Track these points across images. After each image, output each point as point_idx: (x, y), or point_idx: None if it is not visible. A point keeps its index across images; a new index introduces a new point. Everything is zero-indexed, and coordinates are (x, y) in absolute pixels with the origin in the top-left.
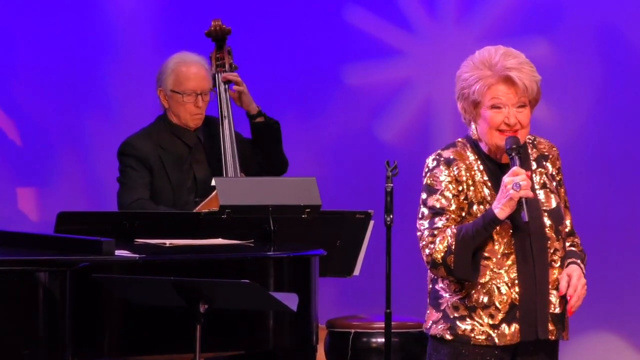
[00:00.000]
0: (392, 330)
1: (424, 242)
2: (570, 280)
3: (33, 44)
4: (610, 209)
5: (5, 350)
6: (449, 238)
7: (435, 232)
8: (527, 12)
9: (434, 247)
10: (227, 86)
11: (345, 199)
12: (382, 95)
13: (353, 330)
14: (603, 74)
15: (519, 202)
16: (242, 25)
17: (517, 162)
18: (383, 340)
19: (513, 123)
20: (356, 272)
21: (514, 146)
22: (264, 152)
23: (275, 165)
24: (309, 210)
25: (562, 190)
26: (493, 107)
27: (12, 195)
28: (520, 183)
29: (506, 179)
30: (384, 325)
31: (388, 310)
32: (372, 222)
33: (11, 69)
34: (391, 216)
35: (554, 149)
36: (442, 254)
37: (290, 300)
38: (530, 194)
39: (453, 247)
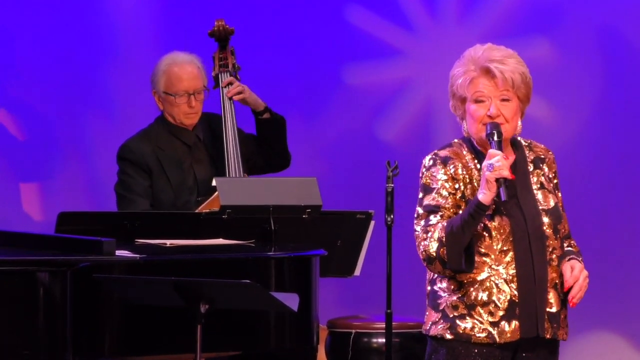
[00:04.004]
0: (393, 331)
1: (418, 240)
2: (572, 272)
3: (34, 44)
4: (611, 208)
5: (5, 350)
6: (440, 231)
7: (429, 229)
8: (527, 12)
9: (427, 243)
10: (230, 98)
11: (345, 199)
12: (383, 95)
13: (354, 331)
14: (603, 74)
15: (498, 182)
16: (245, 26)
17: (494, 145)
18: (384, 340)
19: (495, 114)
20: (357, 272)
21: (493, 131)
22: (269, 147)
23: (280, 158)
24: (309, 210)
25: (559, 194)
26: (476, 101)
27: (13, 195)
28: (494, 164)
29: (484, 163)
30: (384, 325)
31: (389, 311)
32: (372, 222)
33: (12, 69)
34: (392, 216)
35: (549, 153)
36: (435, 248)
37: (291, 301)
38: (506, 174)
39: (444, 239)
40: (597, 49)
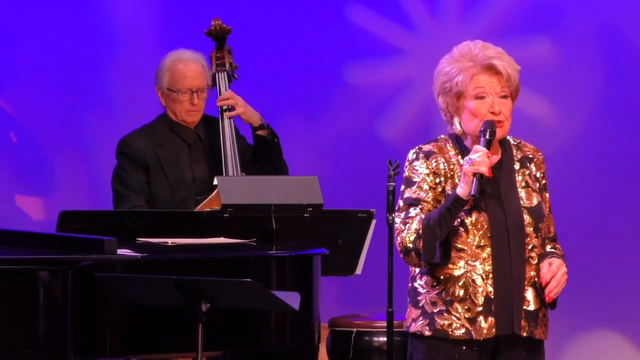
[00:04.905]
0: (394, 329)
1: (397, 232)
2: (550, 268)
3: (34, 44)
4: (611, 208)
5: (5, 350)
6: (417, 223)
7: (407, 221)
8: (528, 11)
9: (404, 235)
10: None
11: (347, 197)
12: (384, 94)
13: (355, 329)
14: (603, 74)
15: (474, 177)
16: (243, 25)
17: (482, 142)
18: (385, 339)
19: (498, 111)
20: (358, 271)
21: (487, 129)
22: (261, 164)
23: (274, 172)
24: (311, 209)
25: (547, 195)
26: (477, 97)
27: (14, 194)
28: (475, 159)
29: (466, 157)
30: (385, 324)
31: (390, 309)
32: (374, 221)
33: (12, 69)
34: (393, 215)
35: (539, 153)
36: (412, 239)
37: (293, 299)
38: (483, 170)
39: (421, 232)
40: (597, 48)
